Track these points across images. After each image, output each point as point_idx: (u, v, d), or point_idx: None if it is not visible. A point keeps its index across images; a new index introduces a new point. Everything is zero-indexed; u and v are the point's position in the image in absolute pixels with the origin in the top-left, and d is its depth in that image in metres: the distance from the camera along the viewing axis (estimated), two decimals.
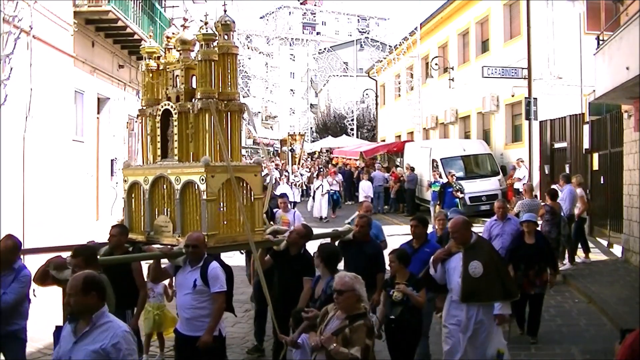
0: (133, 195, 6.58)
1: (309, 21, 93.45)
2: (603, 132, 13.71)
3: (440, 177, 18.70)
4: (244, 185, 6.20)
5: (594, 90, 12.57)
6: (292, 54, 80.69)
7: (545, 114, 17.67)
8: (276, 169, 29.62)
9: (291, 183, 23.20)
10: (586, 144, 14.44)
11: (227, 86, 6.23)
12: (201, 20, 6.43)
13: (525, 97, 18.55)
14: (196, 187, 5.82)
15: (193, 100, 6.13)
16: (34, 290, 7.50)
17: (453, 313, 5.62)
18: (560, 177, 12.63)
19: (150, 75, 6.66)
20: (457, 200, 15.71)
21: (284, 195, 10.63)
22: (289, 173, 26.29)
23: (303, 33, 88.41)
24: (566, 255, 11.44)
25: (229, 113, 6.24)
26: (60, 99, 11.47)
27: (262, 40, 74.92)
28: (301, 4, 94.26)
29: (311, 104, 66.82)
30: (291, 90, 79.14)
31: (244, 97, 47.75)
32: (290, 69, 79.90)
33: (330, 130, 45.75)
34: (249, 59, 54.35)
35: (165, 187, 6.20)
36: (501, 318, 5.70)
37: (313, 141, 48.28)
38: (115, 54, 15.13)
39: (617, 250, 12.47)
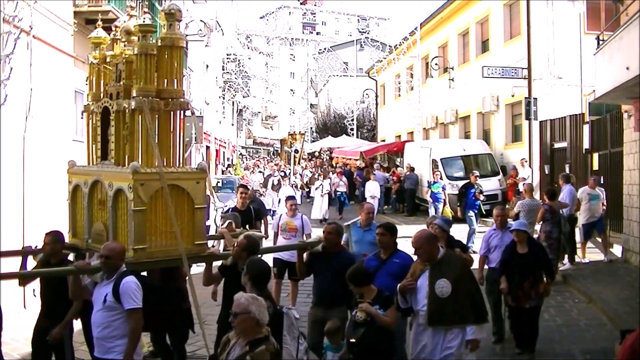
0: (76, 199, 6.10)
1: (309, 21, 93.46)
2: (603, 132, 13.71)
3: (441, 178, 18.33)
4: (184, 194, 5.52)
5: (594, 90, 12.57)
6: (292, 54, 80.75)
7: (545, 114, 17.68)
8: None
9: (292, 184, 22.86)
10: (586, 144, 14.44)
11: (170, 83, 5.63)
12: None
13: (525, 97, 18.56)
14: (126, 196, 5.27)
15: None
16: (33, 290, 7.51)
17: (419, 338, 5.04)
18: (559, 177, 12.64)
19: (96, 68, 6.12)
20: (479, 202, 14.61)
21: (291, 198, 9.77)
22: (285, 173, 26.03)
23: (303, 33, 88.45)
24: (566, 255, 11.45)
25: (171, 113, 5.64)
26: (60, 99, 11.47)
27: (262, 40, 75.04)
28: (301, 4, 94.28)
29: (311, 104, 66.89)
30: (291, 90, 79.23)
31: (244, 97, 47.79)
32: (290, 69, 79.99)
33: (330, 130, 45.79)
34: (249, 59, 54.32)
35: (101, 193, 5.69)
36: (475, 344, 5.18)
37: (313, 141, 48.35)
38: None
39: (617, 250, 12.46)
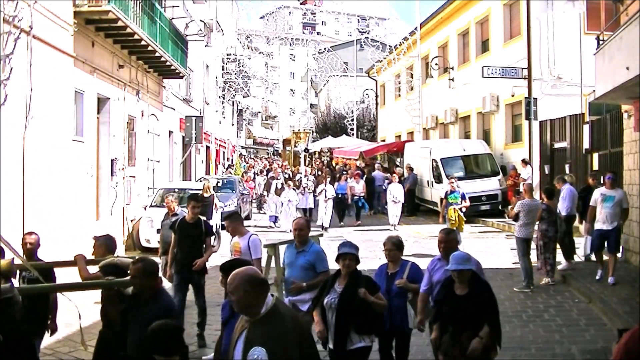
0: None
1: (309, 21, 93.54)
2: (603, 132, 13.71)
3: (459, 186, 14.98)
4: None
5: (594, 90, 12.56)
6: (292, 54, 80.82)
7: (545, 114, 17.69)
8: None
9: (303, 187, 21.31)
10: (586, 144, 14.44)
11: None
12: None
13: (525, 97, 18.57)
14: None
15: None
16: None
17: None
18: (556, 179, 12.57)
19: None
20: None
21: (232, 215, 7.79)
22: (289, 175, 25.72)
23: (303, 33, 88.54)
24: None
25: None
26: (60, 99, 11.46)
27: (262, 40, 75.02)
28: (301, 4, 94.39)
29: (311, 104, 66.98)
30: (291, 90, 79.33)
31: (244, 97, 47.77)
32: (290, 69, 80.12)
33: (330, 130, 45.80)
34: (249, 59, 54.31)
35: None
36: None
37: (313, 141, 48.36)
38: (115, 54, 15.12)
39: None
